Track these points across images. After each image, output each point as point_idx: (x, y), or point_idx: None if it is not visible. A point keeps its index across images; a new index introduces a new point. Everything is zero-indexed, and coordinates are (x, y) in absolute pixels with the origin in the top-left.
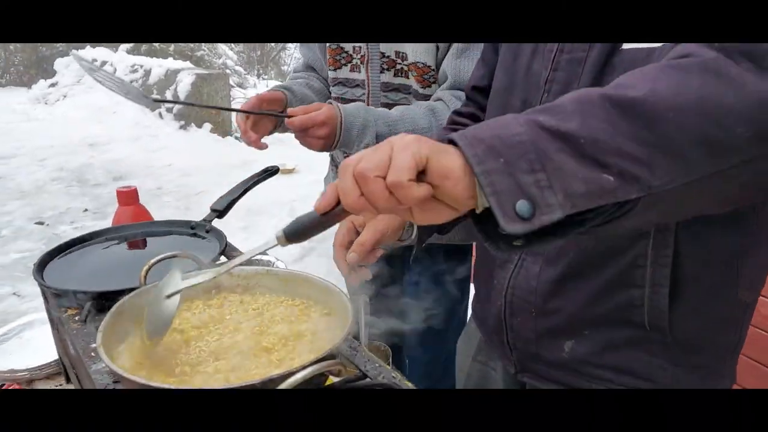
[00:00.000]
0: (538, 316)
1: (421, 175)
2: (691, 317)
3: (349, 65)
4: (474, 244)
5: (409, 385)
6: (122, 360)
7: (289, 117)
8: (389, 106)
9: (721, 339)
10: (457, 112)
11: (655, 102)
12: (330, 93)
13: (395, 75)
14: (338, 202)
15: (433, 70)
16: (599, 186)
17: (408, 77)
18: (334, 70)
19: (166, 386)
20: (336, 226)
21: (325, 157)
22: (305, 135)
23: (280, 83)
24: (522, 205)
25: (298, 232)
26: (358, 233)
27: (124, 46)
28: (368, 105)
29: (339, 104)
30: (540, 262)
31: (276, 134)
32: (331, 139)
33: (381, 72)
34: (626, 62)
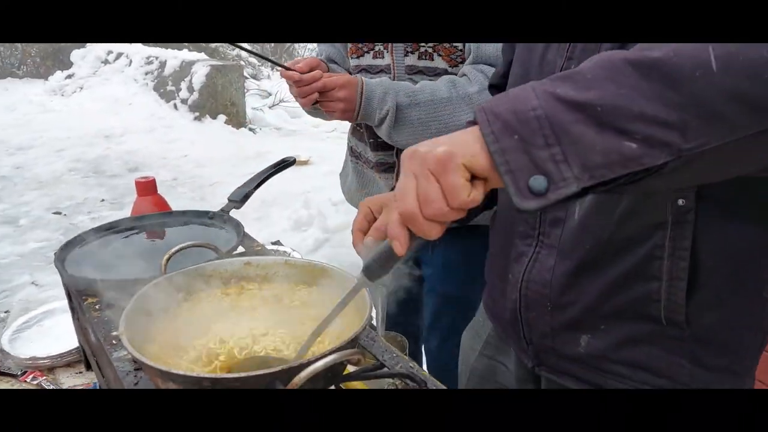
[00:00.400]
0: (554, 309)
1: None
2: (710, 313)
3: (372, 52)
4: (489, 237)
5: (426, 375)
6: (144, 347)
7: (295, 72)
8: None
9: (742, 339)
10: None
11: (679, 61)
12: None
13: (419, 58)
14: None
15: (460, 50)
16: (620, 155)
17: (433, 59)
18: (357, 57)
19: (189, 374)
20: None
21: (339, 148)
22: (326, 98)
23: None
24: (536, 181)
25: (379, 271)
26: (375, 218)
27: None
28: None
29: (361, 76)
30: (554, 255)
31: (288, 127)
32: (351, 104)
33: (405, 55)
34: None
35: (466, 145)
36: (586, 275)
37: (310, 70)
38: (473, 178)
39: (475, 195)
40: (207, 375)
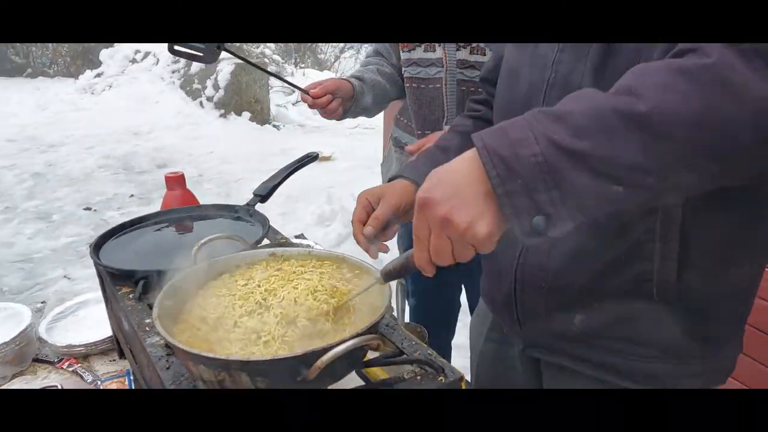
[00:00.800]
0: (549, 291)
1: None
2: (700, 289)
3: (423, 45)
4: None
5: (444, 362)
6: (175, 332)
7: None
8: (465, 83)
9: (728, 310)
10: (473, 100)
11: (662, 118)
12: (402, 76)
13: (471, 52)
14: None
15: None
16: (609, 197)
17: (485, 54)
18: (408, 51)
19: (219, 356)
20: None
21: (361, 144)
22: None
23: (353, 73)
24: (537, 221)
25: (395, 277)
26: (373, 209)
27: None
28: (445, 82)
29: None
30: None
31: (313, 123)
32: None
33: (457, 50)
34: (632, 44)
35: (489, 215)
36: (581, 259)
37: (335, 89)
38: None
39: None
40: (235, 357)
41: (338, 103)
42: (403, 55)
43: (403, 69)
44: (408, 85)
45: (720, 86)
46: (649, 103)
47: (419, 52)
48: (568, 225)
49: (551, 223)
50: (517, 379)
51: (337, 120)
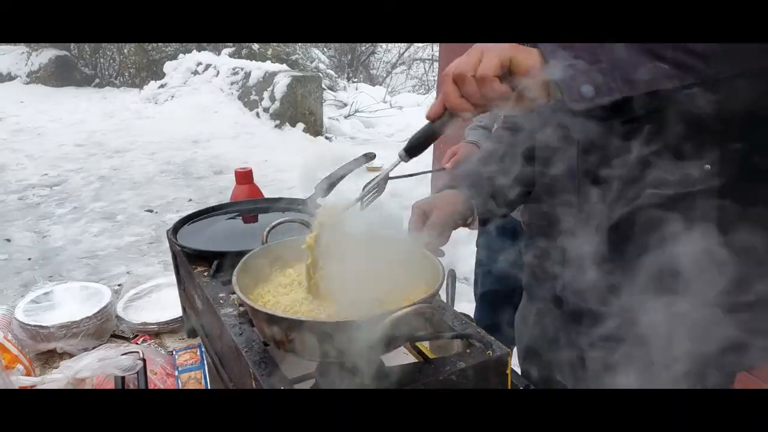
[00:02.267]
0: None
1: (507, 76)
2: None
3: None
4: (526, 224)
5: (492, 339)
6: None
7: None
8: None
9: None
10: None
11: None
12: None
13: None
14: (444, 110)
15: None
16: (655, 73)
17: None
18: None
19: (291, 316)
20: None
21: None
22: None
23: (478, 120)
24: (586, 89)
25: (414, 147)
26: (427, 217)
27: (227, 50)
28: None
29: None
30: (592, 232)
31: (362, 136)
32: None
33: None
34: None
35: (525, 50)
36: (624, 243)
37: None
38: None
39: (497, 85)
40: (305, 318)
41: None
42: None
43: None
44: None
45: None
46: None
47: None
48: (615, 94)
49: (599, 91)
50: (562, 361)
51: None
